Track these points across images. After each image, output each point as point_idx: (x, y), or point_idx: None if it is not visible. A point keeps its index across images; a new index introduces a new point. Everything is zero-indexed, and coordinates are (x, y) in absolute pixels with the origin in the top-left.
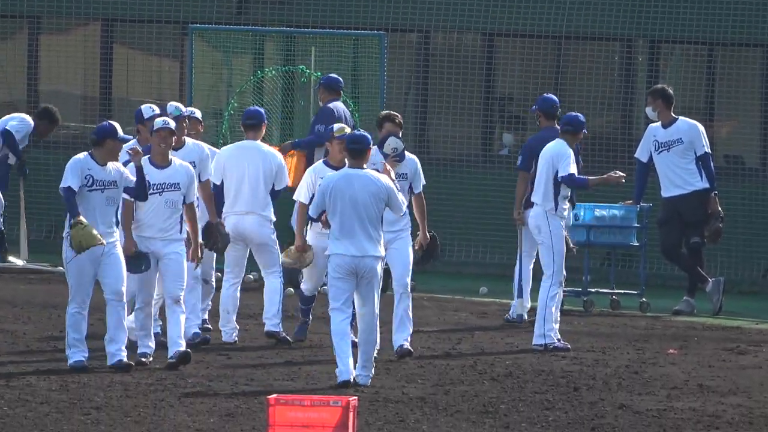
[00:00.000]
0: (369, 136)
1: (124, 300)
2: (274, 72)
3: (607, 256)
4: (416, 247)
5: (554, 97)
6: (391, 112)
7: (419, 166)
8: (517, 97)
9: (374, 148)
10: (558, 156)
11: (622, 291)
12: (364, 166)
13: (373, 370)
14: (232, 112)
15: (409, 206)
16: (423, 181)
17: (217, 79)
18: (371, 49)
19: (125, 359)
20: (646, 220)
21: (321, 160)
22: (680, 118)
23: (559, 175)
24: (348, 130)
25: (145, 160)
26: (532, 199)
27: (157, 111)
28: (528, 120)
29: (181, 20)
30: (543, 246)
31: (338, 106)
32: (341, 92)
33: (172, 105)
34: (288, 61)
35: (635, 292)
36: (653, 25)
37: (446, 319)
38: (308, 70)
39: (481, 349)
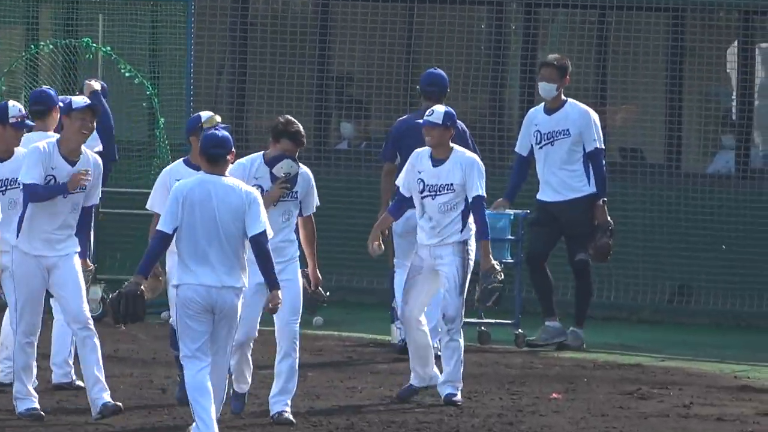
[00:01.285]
0: (230, 138)
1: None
2: (51, 46)
3: (473, 276)
4: (309, 288)
5: (441, 74)
6: (294, 123)
7: (313, 182)
8: (359, 77)
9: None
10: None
11: (493, 320)
12: (226, 173)
13: None
14: None
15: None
16: (317, 202)
17: None
18: (174, 17)
19: (111, 401)
20: (522, 231)
21: (180, 159)
22: (569, 101)
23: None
24: (218, 119)
25: None
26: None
27: None
28: (373, 105)
29: None
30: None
31: None
32: None
33: None
34: (69, 33)
35: (509, 321)
36: None
37: (271, 358)
38: (94, 44)
39: (315, 395)
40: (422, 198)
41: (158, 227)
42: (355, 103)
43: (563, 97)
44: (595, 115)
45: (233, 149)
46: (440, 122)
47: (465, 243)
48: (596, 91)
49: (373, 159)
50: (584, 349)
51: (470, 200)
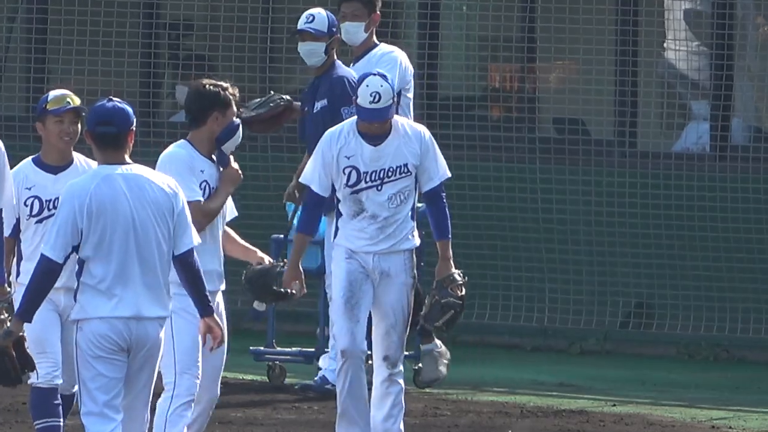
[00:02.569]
0: (128, 109)
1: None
2: None
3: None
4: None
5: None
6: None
7: None
8: (200, 24)
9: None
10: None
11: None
12: (127, 157)
13: None
14: None
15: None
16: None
17: None
18: None
19: None
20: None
21: (29, 158)
22: (380, 45)
23: None
24: (73, 99)
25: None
26: None
27: None
28: (220, 62)
29: None
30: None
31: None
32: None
33: None
34: None
35: (407, 353)
36: None
37: None
38: None
39: None
40: (357, 192)
41: (44, 252)
42: (196, 60)
43: (375, 40)
44: (402, 58)
45: (133, 125)
46: (389, 110)
47: (414, 251)
48: (521, 42)
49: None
50: (515, 392)
51: (430, 187)
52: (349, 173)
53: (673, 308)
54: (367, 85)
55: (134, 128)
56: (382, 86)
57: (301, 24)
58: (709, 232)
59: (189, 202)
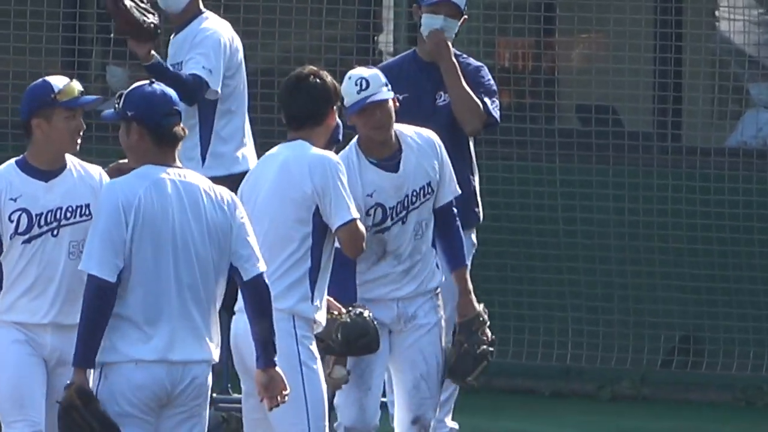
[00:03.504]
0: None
1: None
2: None
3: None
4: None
5: None
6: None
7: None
8: None
9: None
10: None
11: None
12: (178, 159)
13: None
14: None
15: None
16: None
17: None
18: None
19: None
20: None
21: (11, 161)
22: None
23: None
24: (76, 86)
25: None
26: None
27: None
28: (162, 35)
29: None
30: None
31: None
32: None
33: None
34: None
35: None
36: None
37: None
38: None
39: None
40: (382, 232)
41: (89, 271)
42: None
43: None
44: None
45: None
46: (386, 92)
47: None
48: (537, 11)
49: None
50: None
51: (444, 202)
52: (375, 212)
53: (727, 343)
54: (349, 77)
55: None
56: (367, 73)
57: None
58: None
59: (345, 223)
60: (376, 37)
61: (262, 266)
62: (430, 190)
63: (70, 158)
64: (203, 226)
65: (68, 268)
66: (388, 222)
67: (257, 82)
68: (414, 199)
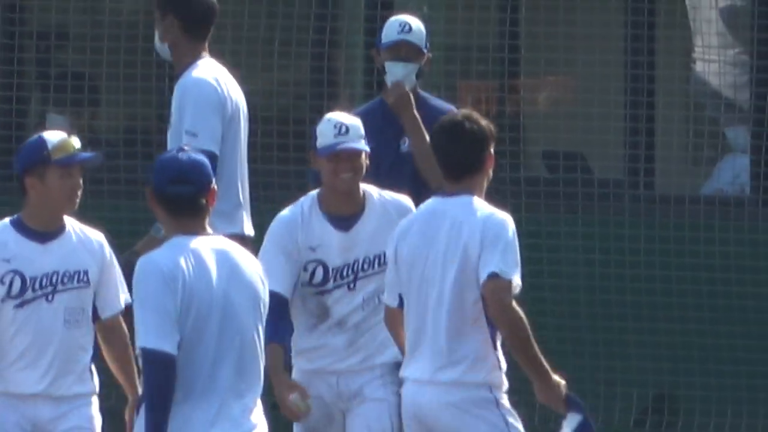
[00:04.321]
0: (205, 161)
1: None
2: None
3: None
4: None
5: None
6: None
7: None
8: (78, 33)
9: None
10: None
11: None
12: (207, 226)
13: None
14: None
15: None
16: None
17: None
18: None
19: None
20: None
21: (5, 221)
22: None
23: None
24: (73, 142)
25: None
26: None
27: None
28: (104, 81)
29: None
30: None
31: None
32: None
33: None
34: None
35: None
36: None
37: None
38: None
39: None
40: (321, 294)
41: (147, 346)
42: (73, 80)
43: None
44: None
45: (212, 183)
46: (363, 144)
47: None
48: (501, 52)
49: (122, 180)
50: None
51: None
52: (315, 270)
53: (704, 401)
54: (329, 119)
55: (214, 186)
56: (348, 120)
57: (393, 34)
58: (751, 299)
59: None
60: (331, 81)
61: None
62: (386, 262)
63: (69, 221)
64: (243, 294)
65: (64, 338)
66: (330, 284)
67: None
68: (365, 266)
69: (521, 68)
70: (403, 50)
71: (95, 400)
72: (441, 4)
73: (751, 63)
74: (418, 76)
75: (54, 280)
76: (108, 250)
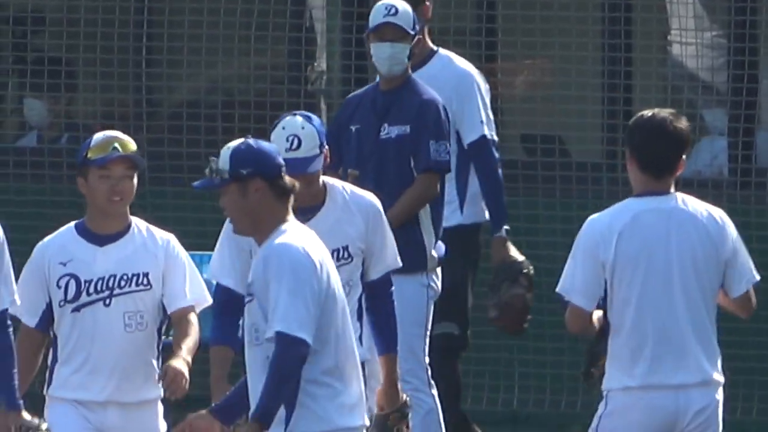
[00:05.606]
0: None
1: None
2: None
3: None
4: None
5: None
6: None
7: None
8: (55, 18)
9: None
10: None
11: None
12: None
13: None
14: None
15: None
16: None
17: None
18: None
19: None
20: None
21: (70, 225)
22: (439, 51)
23: None
24: (125, 143)
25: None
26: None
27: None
28: (81, 67)
29: None
30: None
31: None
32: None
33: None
34: None
35: None
36: None
37: None
38: None
39: None
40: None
41: (287, 332)
42: (50, 65)
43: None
44: (477, 77)
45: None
46: (314, 161)
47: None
48: (477, 35)
49: None
50: None
51: (378, 276)
52: None
53: None
54: (284, 127)
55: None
56: (303, 128)
57: (379, 17)
58: None
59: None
60: (308, 66)
61: None
62: (346, 255)
63: (138, 222)
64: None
65: (125, 342)
66: None
67: (183, 114)
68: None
69: (498, 51)
70: (389, 32)
71: (161, 406)
72: None
73: (728, 45)
74: (409, 58)
75: (111, 283)
76: (175, 248)
